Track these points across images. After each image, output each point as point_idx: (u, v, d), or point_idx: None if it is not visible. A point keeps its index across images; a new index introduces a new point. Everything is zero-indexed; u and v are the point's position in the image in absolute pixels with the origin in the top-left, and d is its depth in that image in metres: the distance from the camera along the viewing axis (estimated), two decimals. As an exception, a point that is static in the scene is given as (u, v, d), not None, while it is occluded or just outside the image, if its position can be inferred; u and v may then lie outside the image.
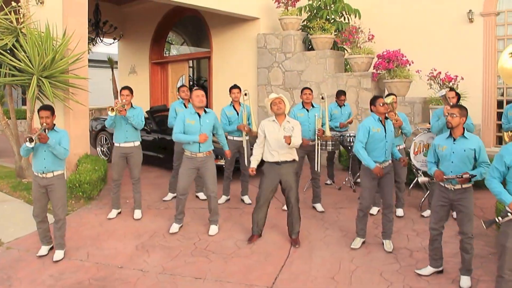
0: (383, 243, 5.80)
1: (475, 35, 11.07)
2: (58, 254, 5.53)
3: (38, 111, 5.33)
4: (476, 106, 10.83)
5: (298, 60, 10.99)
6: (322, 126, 7.18)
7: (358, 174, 7.98)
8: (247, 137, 7.41)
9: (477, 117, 10.95)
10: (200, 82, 17.33)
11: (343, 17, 11.56)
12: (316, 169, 7.17)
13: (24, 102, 21.33)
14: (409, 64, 9.68)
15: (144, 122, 6.86)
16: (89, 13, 11.63)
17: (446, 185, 4.74)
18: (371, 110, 5.72)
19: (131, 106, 6.76)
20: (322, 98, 7.42)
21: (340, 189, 8.46)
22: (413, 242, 5.97)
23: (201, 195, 7.82)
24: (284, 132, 5.67)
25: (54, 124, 5.44)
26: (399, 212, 7.00)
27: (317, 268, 5.25)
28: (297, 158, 5.94)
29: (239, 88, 7.59)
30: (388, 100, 6.73)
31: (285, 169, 5.79)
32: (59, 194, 5.50)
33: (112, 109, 6.40)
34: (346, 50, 11.07)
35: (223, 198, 7.69)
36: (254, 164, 5.97)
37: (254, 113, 11.60)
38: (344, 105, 8.59)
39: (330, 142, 8.04)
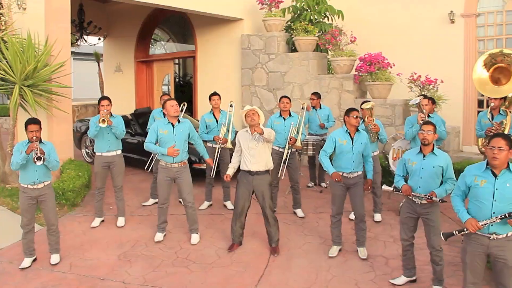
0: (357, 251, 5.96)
1: (456, 36, 11.22)
2: (55, 258, 5.78)
3: (26, 125, 5.41)
4: (457, 106, 11.01)
5: (282, 62, 11.08)
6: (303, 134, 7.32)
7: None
8: (222, 146, 7.50)
9: (458, 118, 11.13)
10: (186, 79, 17.41)
11: (326, 18, 11.65)
12: (280, 176, 7.28)
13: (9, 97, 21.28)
14: (390, 67, 9.81)
15: (125, 132, 6.95)
16: (73, 13, 11.62)
17: (413, 199, 4.89)
18: (344, 120, 5.86)
19: (111, 115, 6.83)
20: (302, 108, 7.54)
21: (321, 192, 8.61)
22: (389, 249, 6.13)
23: (229, 204, 7.84)
24: (255, 142, 5.81)
25: (40, 137, 5.54)
26: (377, 217, 7.16)
27: (294, 278, 5.39)
28: (271, 167, 6.07)
29: (218, 95, 7.68)
30: (368, 106, 6.86)
31: (257, 180, 5.92)
32: (51, 203, 5.71)
33: (104, 121, 6.53)
34: (329, 52, 11.17)
35: (206, 204, 7.82)
36: (230, 171, 6.17)
37: (238, 116, 11.75)
38: (320, 108, 8.72)
39: (311, 147, 8.19)
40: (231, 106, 7.57)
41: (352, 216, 7.13)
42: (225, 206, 7.78)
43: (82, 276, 5.48)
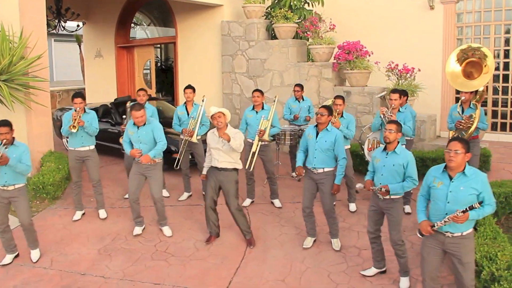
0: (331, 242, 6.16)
1: (436, 22, 11.39)
2: (35, 254, 5.88)
3: None
4: (436, 92, 11.25)
5: (261, 49, 11.14)
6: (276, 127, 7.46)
7: None
8: (188, 139, 7.60)
9: (437, 103, 11.37)
10: (168, 63, 17.39)
11: (306, 4, 11.68)
12: (249, 168, 7.32)
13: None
14: (369, 55, 9.92)
15: (98, 129, 7.04)
16: (50, 0, 11.53)
17: (377, 193, 5.08)
18: None
19: (84, 111, 6.90)
20: (274, 100, 7.64)
21: (299, 181, 8.75)
22: (362, 239, 6.31)
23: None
24: (222, 143, 5.93)
25: (14, 138, 5.55)
26: (352, 207, 7.35)
27: (269, 270, 5.59)
28: (239, 167, 6.18)
29: (192, 88, 7.72)
30: (328, 102, 7.00)
31: (224, 177, 6.06)
32: (22, 205, 5.72)
33: (74, 127, 6.65)
34: (308, 39, 11.24)
35: (185, 194, 7.96)
36: (204, 171, 6.36)
37: (220, 101, 11.85)
38: (303, 99, 8.81)
39: (289, 137, 8.33)
40: (202, 101, 7.58)
41: None
42: (204, 196, 7.90)
43: (63, 272, 5.62)
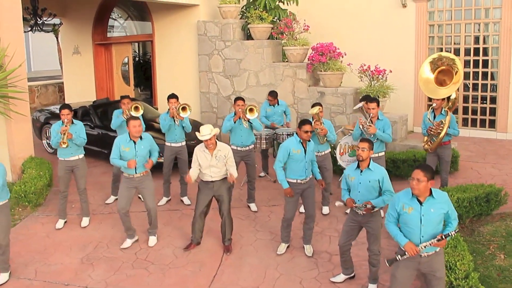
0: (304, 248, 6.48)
1: (408, 20, 11.70)
2: (3, 277, 5.86)
3: None
4: (408, 90, 11.61)
5: (237, 49, 11.34)
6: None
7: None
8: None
9: (410, 101, 11.74)
10: (146, 57, 17.46)
11: (281, 3, 11.87)
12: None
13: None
14: (342, 56, 10.20)
15: (86, 140, 7.22)
16: (26, 0, 11.52)
17: (356, 210, 5.37)
18: (296, 132, 6.22)
19: (72, 122, 7.07)
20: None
21: (275, 182, 9.05)
22: (334, 244, 6.59)
23: (185, 200, 8.22)
24: (216, 161, 6.17)
25: None
26: (325, 210, 7.65)
27: (244, 277, 5.90)
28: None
29: (176, 97, 7.88)
30: (314, 110, 7.24)
31: (218, 186, 6.35)
32: (2, 224, 5.68)
33: (64, 143, 6.83)
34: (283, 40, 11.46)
35: (164, 199, 8.20)
36: (193, 178, 6.33)
37: (197, 101, 12.05)
38: (278, 103, 9.06)
39: (264, 141, 8.60)
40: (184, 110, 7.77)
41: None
42: (182, 201, 8.17)
43: (47, 283, 5.85)
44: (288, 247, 6.55)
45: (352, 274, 5.77)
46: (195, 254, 6.50)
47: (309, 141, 6.21)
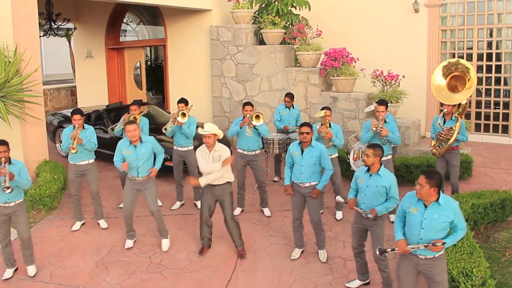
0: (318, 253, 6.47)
1: (420, 26, 11.67)
2: (31, 270, 6.09)
3: None
4: (421, 98, 11.58)
5: (250, 54, 11.37)
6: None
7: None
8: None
9: (422, 106, 11.70)
10: (158, 62, 17.53)
11: (294, 8, 11.89)
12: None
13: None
14: (355, 62, 10.20)
15: (97, 145, 7.26)
16: (41, 5, 11.63)
17: (362, 215, 5.36)
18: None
19: (83, 127, 7.12)
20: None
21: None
22: (348, 249, 6.56)
23: (199, 204, 8.06)
24: (212, 161, 6.21)
25: (9, 157, 5.79)
26: (338, 215, 7.65)
27: (259, 282, 5.90)
28: (231, 180, 6.46)
29: (184, 102, 7.88)
30: (320, 114, 7.27)
31: (219, 191, 6.36)
32: (22, 219, 5.98)
33: (73, 148, 6.87)
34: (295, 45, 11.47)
35: (178, 204, 8.22)
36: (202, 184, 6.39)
37: (209, 105, 12.09)
38: (293, 107, 9.07)
39: (277, 146, 8.60)
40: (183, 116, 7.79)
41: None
42: (195, 205, 8.17)
43: (62, 286, 5.90)
44: (302, 252, 6.54)
45: (367, 280, 5.75)
46: (209, 258, 6.51)
47: (311, 145, 6.18)
